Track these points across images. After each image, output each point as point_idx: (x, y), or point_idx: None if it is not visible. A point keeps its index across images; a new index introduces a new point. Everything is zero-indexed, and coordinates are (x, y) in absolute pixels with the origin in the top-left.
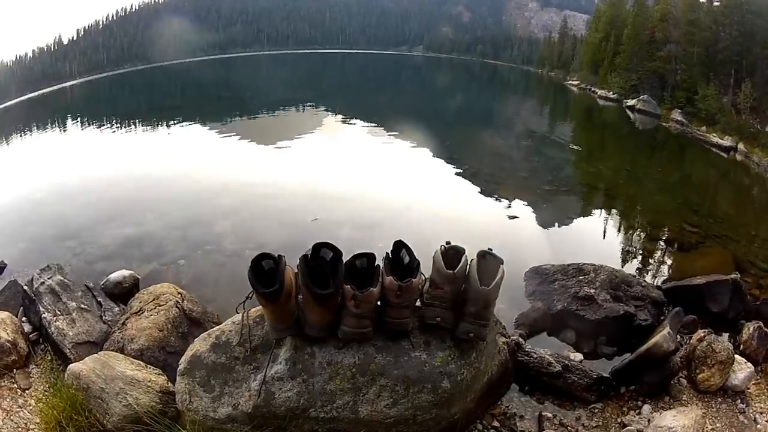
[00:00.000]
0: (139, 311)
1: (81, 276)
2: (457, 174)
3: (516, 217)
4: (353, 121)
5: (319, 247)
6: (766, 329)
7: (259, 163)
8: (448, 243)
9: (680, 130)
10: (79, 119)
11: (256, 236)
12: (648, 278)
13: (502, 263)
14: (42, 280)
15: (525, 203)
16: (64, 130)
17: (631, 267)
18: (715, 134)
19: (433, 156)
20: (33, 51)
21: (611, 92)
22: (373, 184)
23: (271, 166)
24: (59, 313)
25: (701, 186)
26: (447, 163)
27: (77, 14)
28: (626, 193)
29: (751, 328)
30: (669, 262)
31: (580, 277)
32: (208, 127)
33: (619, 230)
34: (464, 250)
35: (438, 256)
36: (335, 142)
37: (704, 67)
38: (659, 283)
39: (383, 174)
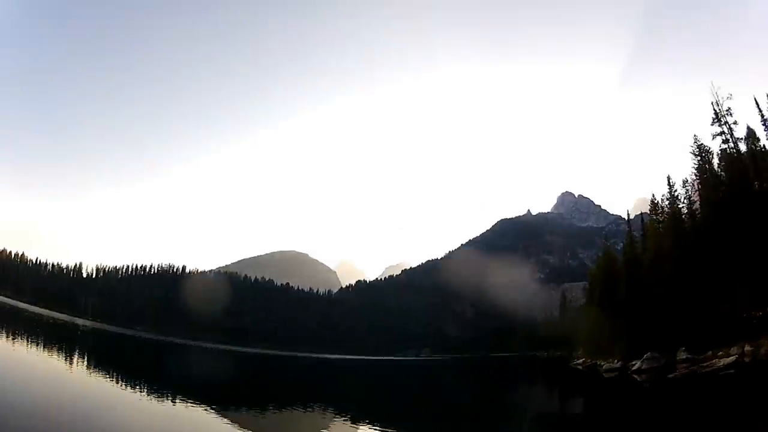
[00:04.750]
0: None
1: None
2: None
3: None
4: (362, 425)
5: None
6: None
7: None
8: None
9: (687, 370)
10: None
11: None
12: None
13: None
14: None
15: None
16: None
17: None
18: (721, 352)
19: None
20: (52, 264)
21: (615, 361)
22: None
23: None
24: None
25: None
26: None
27: (99, 248)
28: None
29: None
30: None
31: None
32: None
33: None
34: None
35: None
36: None
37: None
38: None
39: None
